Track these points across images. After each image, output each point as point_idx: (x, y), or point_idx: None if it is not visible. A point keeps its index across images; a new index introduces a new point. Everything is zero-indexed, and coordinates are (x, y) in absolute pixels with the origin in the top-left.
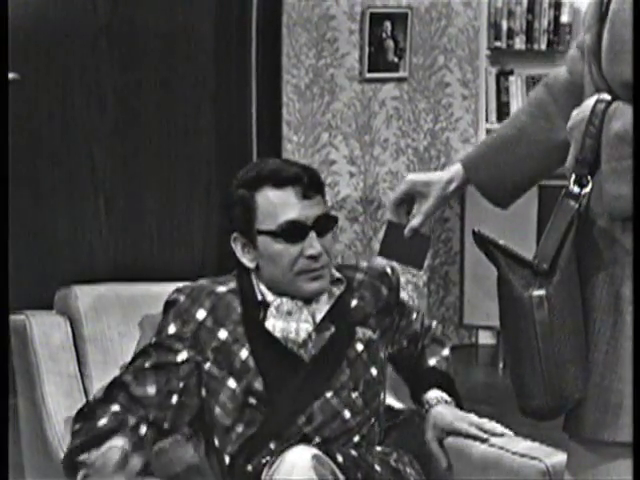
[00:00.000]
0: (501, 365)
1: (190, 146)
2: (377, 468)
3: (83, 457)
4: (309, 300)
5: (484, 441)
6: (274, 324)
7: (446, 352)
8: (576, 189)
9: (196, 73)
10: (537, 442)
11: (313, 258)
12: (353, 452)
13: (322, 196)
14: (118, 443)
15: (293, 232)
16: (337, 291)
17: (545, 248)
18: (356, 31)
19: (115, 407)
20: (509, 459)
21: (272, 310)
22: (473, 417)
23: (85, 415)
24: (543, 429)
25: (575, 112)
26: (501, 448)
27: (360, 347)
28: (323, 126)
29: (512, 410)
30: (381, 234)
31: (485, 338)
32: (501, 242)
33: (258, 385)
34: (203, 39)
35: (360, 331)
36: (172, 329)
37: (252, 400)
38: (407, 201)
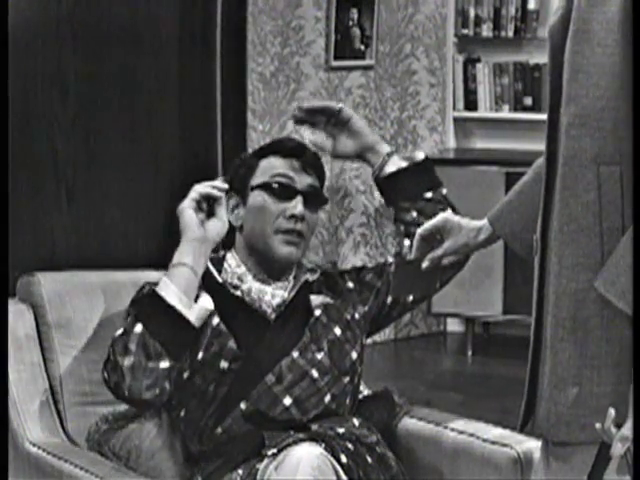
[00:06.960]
0: (469, 353)
1: (154, 134)
2: (369, 460)
3: None
4: (278, 278)
5: None
6: (243, 291)
7: None
8: None
9: (160, 61)
10: (507, 429)
11: (294, 218)
12: (350, 445)
13: (320, 179)
14: None
15: (282, 188)
16: (308, 277)
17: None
18: (322, 19)
19: None
20: (480, 446)
21: (243, 284)
22: None
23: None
24: (513, 416)
25: None
26: (472, 435)
27: (317, 312)
28: (288, 114)
29: (480, 397)
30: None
31: (453, 325)
32: None
33: (232, 344)
34: (167, 27)
35: (315, 299)
36: None
37: (224, 363)
38: (432, 237)
